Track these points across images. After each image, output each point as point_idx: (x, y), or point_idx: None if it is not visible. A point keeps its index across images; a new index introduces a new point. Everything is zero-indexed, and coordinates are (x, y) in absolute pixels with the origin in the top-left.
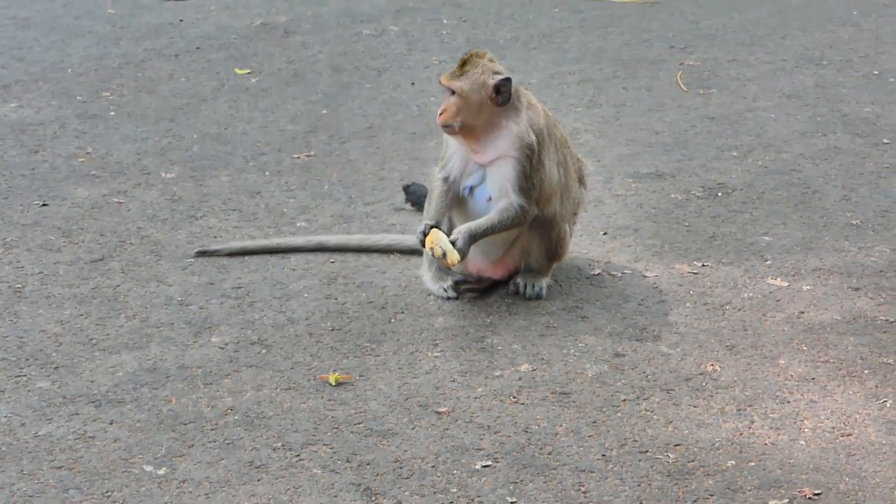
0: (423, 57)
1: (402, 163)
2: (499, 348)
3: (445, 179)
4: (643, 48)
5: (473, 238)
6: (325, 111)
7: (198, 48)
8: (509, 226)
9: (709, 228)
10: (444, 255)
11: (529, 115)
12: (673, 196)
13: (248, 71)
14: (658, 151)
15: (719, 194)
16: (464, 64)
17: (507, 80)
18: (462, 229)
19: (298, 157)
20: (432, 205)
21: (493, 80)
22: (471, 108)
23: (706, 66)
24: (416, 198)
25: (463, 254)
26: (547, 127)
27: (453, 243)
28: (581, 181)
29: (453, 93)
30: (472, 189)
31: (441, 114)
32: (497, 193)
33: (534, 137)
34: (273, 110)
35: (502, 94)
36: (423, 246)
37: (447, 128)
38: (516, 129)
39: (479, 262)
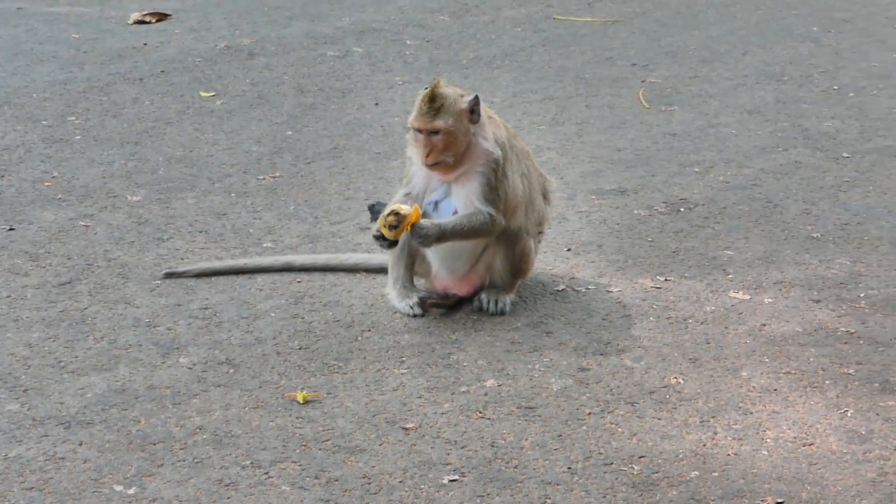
0: (387, 77)
1: (367, 183)
2: (464, 364)
3: (408, 195)
4: (605, 66)
5: (442, 230)
6: (289, 132)
7: (162, 71)
8: (478, 230)
9: (671, 243)
10: (397, 217)
11: (492, 129)
12: (636, 212)
13: (213, 93)
14: (621, 168)
15: (682, 210)
16: (431, 100)
17: (476, 98)
18: (431, 221)
19: (264, 179)
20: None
21: (466, 105)
22: (457, 139)
23: (668, 83)
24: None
25: (429, 239)
26: (508, 139)
27: (421, 230)
28: (545, 196)
29: (433, 132)
30: (436, 204)
31: (428, 155)
32: (463, 206)
33: (499, 152)
34: (238, 132)
35: (475, 112)
36: (380, 241)
37: (438, 165)
38: (485, 145)
39: (445, 279)
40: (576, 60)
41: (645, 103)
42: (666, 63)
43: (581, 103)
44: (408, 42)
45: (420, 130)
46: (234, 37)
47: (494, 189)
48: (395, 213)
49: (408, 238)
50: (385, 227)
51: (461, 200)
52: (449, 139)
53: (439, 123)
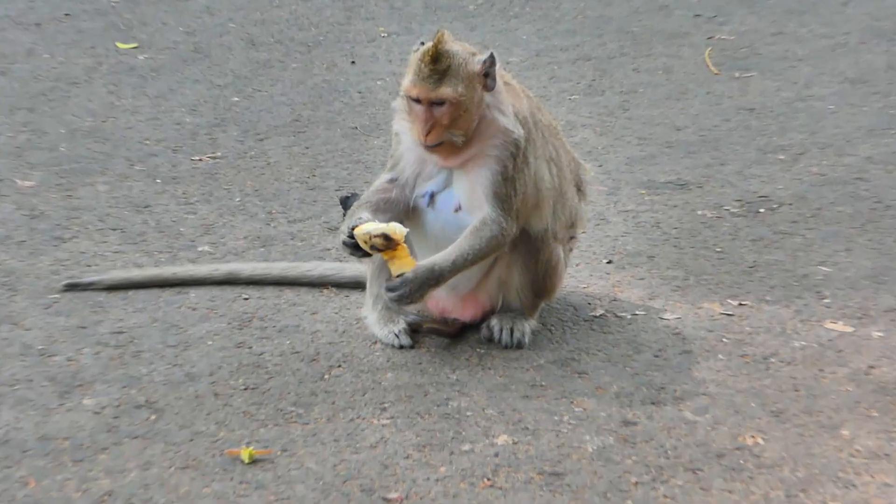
0: (367, 27)
1: (338, 167)
2: (468, 414)
3: (393, 181)
4: (660, 17)
5: (437, 273)
6: (236, 98)
7: (67, 14)
8: (486, 252)
9: (748, 255)
10: (386, 242)
11: (511, 99)
12: (700, 212)
13: (134, 45)
14: (680, 153)
15: (761, 210)
16: (434, 60)
17: (492, 57)
18: (419, 266)
19: (200, 160)
20: (361, 199)
21: (479, 67)
22: (468, 112)
23: (743, 40)
24: None
25: (421, 292)
26: (531, 113)
27: (408, 284)
28: (579, 190)
29: (437, 103)
30: (432, 196)
31: (428, 133)
32: (467, 201)
33: (520, 130)
34: (167, 97)
35: (490, 76)
36: (352, 249)
37: (441, 146)
38: (502, 121)
39: (443, 298)
40: (620, 8)
41: (713, 67)
42: (741, 14)
43: (627, 66)
44: None
45: (418, 100)
46: None
47: (511, 181)
48: (385, 238)
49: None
50: (366, 242)
51: (465, 192)
52: (457, 112)
53: (445, 91)
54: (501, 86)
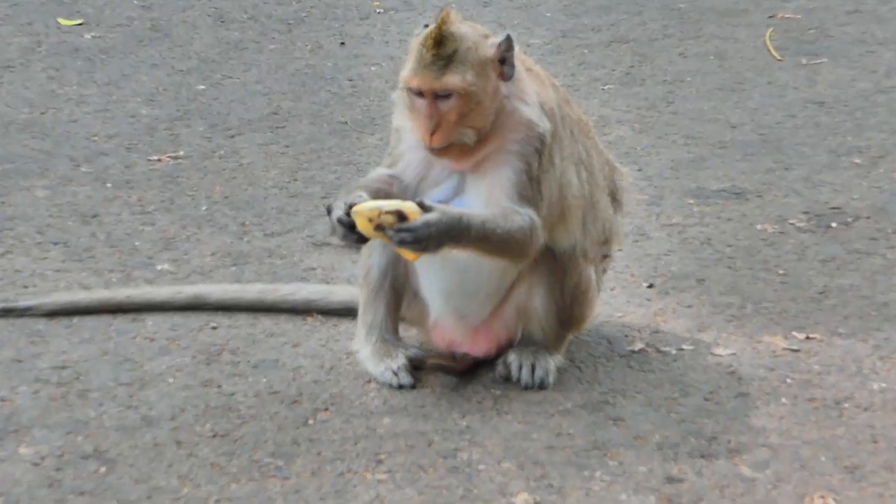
0: (359, 2)
1: (325, 170)
2: (481, 468)
3: (393, 178)
4: None
5: (461, 223)
6: (202, 86)
7: None
8: (511, 240)
9: (817, 279)
10: (400, 215)
11: (535, 87)
12: (760, 227)
13: (80, 21)
14: (735, 156)
15: (834, 225)
16: (439, 44)
17: (508, 39)
18: (446, 210)
19: (160, 160)
20: (357, 182)
21: (493, 51)
22: (481, 106)
23: (811, 20)
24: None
25: (436, 236)
26: (558, 105)
27: (423, 220)
28: (614, 199)
29: (443, 96)
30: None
31: (433, 133)
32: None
33: (546, 123)
34: (119, 84)
35: (507, 62)
36: (346, 231)
37: (450, 148)
38: (526, 112)
39: (452, 329)
40: None
41: (775, 52)
42: None
43: (673, 50)
44: None
45: (421, 93)
46: None
47: (535, 181)
48: (400, 216)
49: (390, 256)
50: (369, 222)
51: (482, 200)
52: (467, 106)
53: (452, 80)
54: (522, 72)
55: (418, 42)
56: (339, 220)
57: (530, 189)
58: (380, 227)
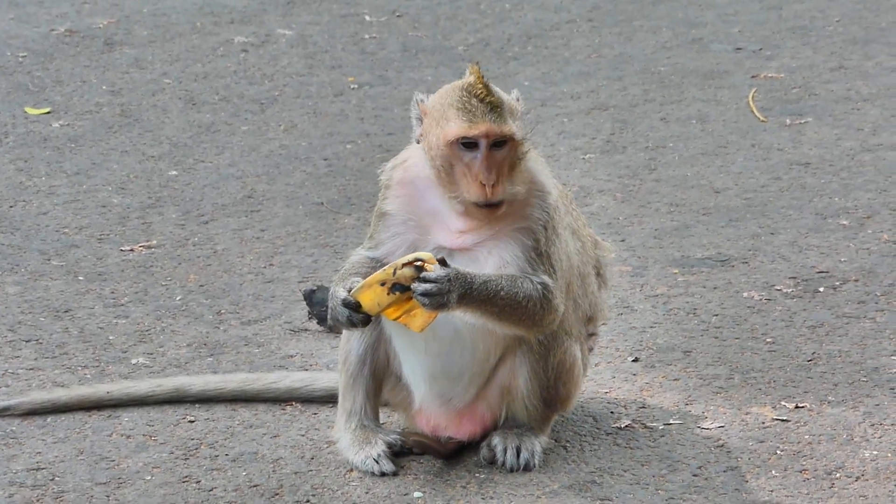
0: (335, 77)
1: (301, 253)
2: None
3: (376, 261)
4: (692, 52)
5: (467, 283)
6: (174, 172)
7: None
8: (517, 305)
9: (806, 346)
10: (417, 266)
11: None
12: (746, 294)
13: (48, 110)
14: (720, 222)
15: (821, 289)
16: (489, 93)
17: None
18: (452, 267)
19: (132, 250)
20: (342, 270)
21: (520, 103)
22: (524, 157)
23: (795, 78)
24: (324, 310)
25: (450, 298)
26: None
27: (439, 277)
28: (598, 273)
29: (498, 144)
30: None
31: (494, 186)
32: None
33: (555, 191)
34: (89, 173)
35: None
36: (351, 312)
37: (497, 206)
38: (541, 177)
39: (435, 412)
40: (643, 44)
41: (758, 113)
42: (792, 46)
43: (654, 115)
44: (367, 18)
45: (474, 143)
46: (80, 15)
47: (546, 256)
48: (417, 269)
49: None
50: (382, 286)
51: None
52: (516, 156)
53: (510, 127)
54: None
55: (459, 96)
56: (345, 302)
57: (540, 262)
58: (393, 290)
